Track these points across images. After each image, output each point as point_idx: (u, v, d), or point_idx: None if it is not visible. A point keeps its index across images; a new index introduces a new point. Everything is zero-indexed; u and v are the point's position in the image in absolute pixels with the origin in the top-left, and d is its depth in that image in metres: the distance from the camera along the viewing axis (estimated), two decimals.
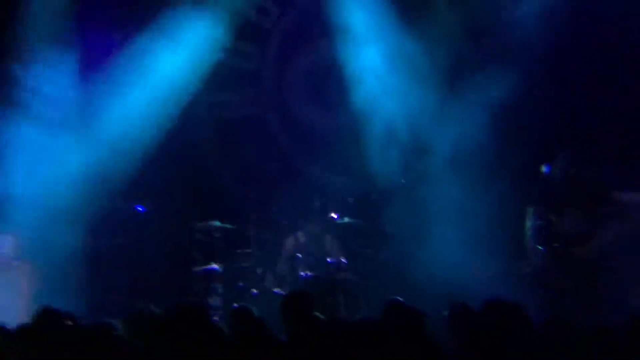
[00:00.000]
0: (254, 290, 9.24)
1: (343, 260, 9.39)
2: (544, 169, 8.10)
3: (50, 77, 9.70)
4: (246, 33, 10.87)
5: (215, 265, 9.50)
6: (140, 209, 10.04)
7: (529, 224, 7.77)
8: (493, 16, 9.79)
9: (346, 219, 9.50)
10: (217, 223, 9.62)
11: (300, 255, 9.38)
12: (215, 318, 9.02)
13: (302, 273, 9.24)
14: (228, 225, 9.68)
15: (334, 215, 9.62)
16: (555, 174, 7.76)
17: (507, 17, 9.66)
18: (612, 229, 7.56)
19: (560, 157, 7.77)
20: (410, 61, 9.95)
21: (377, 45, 10.16)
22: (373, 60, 10.16)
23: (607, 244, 7.60)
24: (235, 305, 6.80)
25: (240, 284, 9.41)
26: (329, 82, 10.58)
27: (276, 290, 9.23)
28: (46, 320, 5.23)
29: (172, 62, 10.26)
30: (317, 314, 5.86)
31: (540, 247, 7.67)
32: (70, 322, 5.35)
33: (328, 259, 9.39)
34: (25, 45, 9.63)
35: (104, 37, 10.14)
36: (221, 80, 10.94)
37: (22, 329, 5.25)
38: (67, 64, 9.80)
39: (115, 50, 10.13)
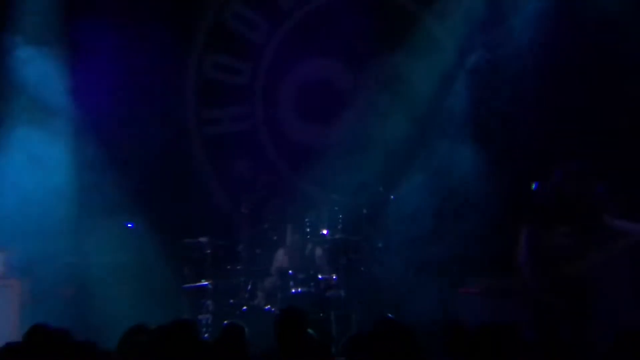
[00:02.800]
0: (244, 307, 9.21)
1: (334, 276, 9.38)
2: (533, 186, 8.11)
3: (41, 90, 9.68)
4: (236, 49, 10.91)
5: (205, 282, 9.47)
6: (130, 226, 10.02)
7: (521, 240, 7.77)
8: (482, 31, 9.85)
9: (337, 235, 9.49)
10: (207, 239, 9.59)
11: (290, 271, 9.36)
12: (206, 335, 8.99)
13: (292, 289, 9.22)
14: (218, 241, 9.65)
15: (324, 231, 9.62)
16: (547, 191, 7.77)
17: (497, 32, 9.72)
18: (603, 251, 7.56)
19: (553, 175, 7.78)
20: (399, 76, 10.00)
21: (367, 60, 10.21)
22: (364, 75, 10.21)
23: (597, 265, 7.60)
24: (225, 322, 6.76)
25: (231, 300, 9.38)
26: (319, 97, 10.61)
27: (267, 307, 9.21)
28: (38, 337, 5.19)
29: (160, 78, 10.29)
30: (309, 331, 5.84)
31: (530, 264, 7.67)
32: (62, 339, 5.31)
33: (319, 276, 9.37)
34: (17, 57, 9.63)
35: (96, 50, 10.14)
36: (212, 96, 10.96)
37: (13, 346, 5.21)
38: (58, 76, 9.80)
39: (106, 68, 10.14)
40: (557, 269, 7.58)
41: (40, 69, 9.65)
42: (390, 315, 6.57)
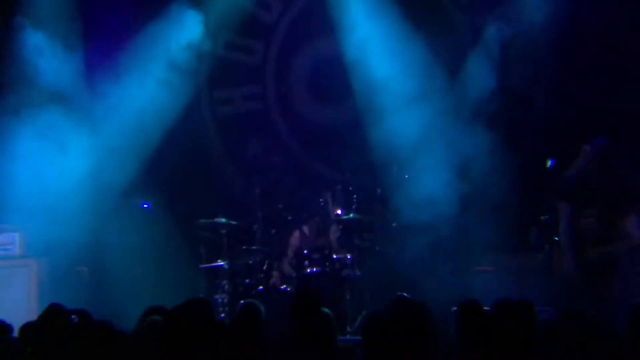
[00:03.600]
0: (260, 287, 9.24)
1: (348, 256, 9.39)
2: (549, 163, 8.07)
3: (55, 74, 9.70)
4: (249, 28, 10.87)
5: (221, 262, 9.50)
6: (146, 206, 10.05)
7: (561, 219, 7.70)
8: (499, 11, 9.74)
9: (351, 215, 9.49)
10: (222, 220, 9.61)
11: (306, 251, 9.38)
12: (222, 315, 9.04)
13: (308, 269, 9.24)
14: (233, 222, 9.68)
15: (338, 211, 9.62)
16: (573, 173, 7.72)
17: (515, 10, 9.61)
18: (631, 239, 7.49)
19: (585, 156, 7.69)
20: (413, 55, 9.93)
21: (379, 40, 10.15)
22: (375, 54, 10.14)
23: (624, 251, 7.52)
24: (242, 302, 6.79)
25: (247, 280, 9.42)
26: (332, 76, 10.57)
27: (282, 287, 9.23)
28: (53, 317, 5.23)
29: (175, 58, 10.27)
30: (324, 309, 5.85)
31: (569, 243, 7.61)
32: (77, 319, 5.36)
33: (334, 256, 9.39)
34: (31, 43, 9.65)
35: (109, 34, 10.15)
36: (224, 76, 10.94)
37: (29, 326, 5.26)
38: (73, 61, 9.81)
39: (119, 48, 10.14)
40: (584, 250, 7.55)
41: (54, 54, 9.67)
42: (404, 294, 6.55)
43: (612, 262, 7.49)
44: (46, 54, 9.64)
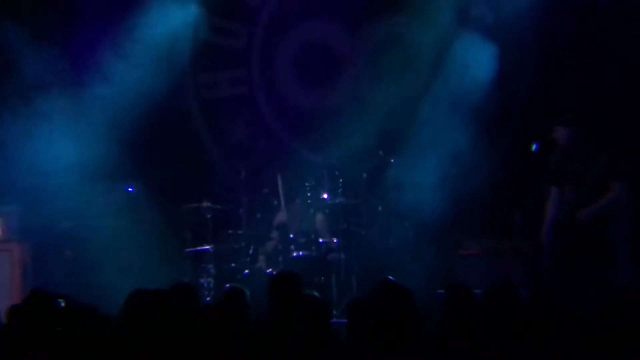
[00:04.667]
0: (246, 271, 9.25)
1: (334, 240, 9.41)
2: (533, 147, 8.11)
3: (40, 60, 9.64)
4: (233, 12, 10.81)
5: (206, 246, 9.50)
6: (131, 190, 10.02)
7: (549, 202, 7.77)
8: None
9: (337, 199, 9.50)
10: (207, 204, 9.60)
11: (291, 235, 9.39)
12: (207, 299, 9.04)
13: (294, 253, 9.25)
14: (219, 206, 9.67)
15: (324, 195, 9.63)
16: (555, 151, 7.77)
17: None
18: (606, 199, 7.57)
19: (558, 131, 7.76)
20: (398, 37, 9.92)
21: (365, 22, 10.13)
22: (362, 37, 10.13)
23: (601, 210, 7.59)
24: (227, 286, 6.80)
25: (232, 264, 9.42)
26: (317, 60, 10.54)
27: (268, 270, 9.25)
28: (36, 302, 5.22)
29: (159, 42, 10.22)
30: (312, 292, 5.86)
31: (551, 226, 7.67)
32: (62, 303, 5.35)
33: (320, 239, 9.40)
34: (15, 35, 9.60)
35: (94, 17, 10.08)
36: (209, 59, 10.88)
37: (14, 310, 5.25)
38: (57, 46, 9.76)
39: (104, 32, 10.08)
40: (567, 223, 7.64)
41: (37, 41, 9.61)
42: (390, 277, 6.58)
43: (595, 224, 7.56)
44: (29, 41, 9.58)
